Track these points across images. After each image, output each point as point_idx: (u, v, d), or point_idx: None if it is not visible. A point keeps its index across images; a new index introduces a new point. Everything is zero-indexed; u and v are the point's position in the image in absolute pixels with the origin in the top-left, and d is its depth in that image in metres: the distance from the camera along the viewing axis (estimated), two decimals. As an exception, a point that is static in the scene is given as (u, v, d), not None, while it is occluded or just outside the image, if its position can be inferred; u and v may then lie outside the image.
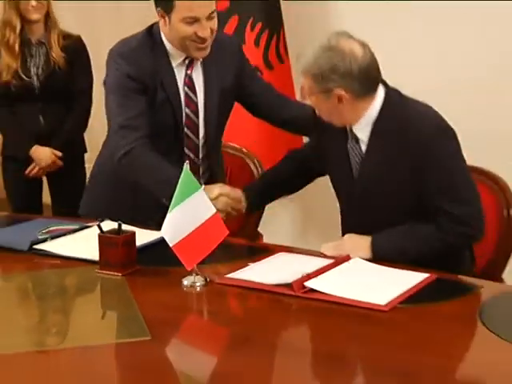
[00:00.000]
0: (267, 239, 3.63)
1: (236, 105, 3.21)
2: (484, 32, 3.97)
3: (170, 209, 2.32)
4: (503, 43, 3.93)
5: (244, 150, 3.61)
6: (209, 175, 3.17)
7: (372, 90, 2.64)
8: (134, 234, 2.54)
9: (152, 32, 2.98)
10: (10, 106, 4.14)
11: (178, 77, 2.98)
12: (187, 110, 3.00)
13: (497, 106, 3.95)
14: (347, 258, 2.56)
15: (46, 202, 4.32)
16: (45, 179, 4.30)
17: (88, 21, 5.22)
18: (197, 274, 2.39)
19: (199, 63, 3.01)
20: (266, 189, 3.13)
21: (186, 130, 3.01)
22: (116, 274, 2.47)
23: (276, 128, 3.37)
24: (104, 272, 2.50)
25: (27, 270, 2.63)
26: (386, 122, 2.65)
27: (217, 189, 2.85)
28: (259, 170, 3.52)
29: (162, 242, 2.40)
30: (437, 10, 4.01)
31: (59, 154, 4.08)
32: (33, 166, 4.09)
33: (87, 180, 3.42)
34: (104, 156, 3.21)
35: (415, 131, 2.60)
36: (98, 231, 2.54)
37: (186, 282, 2.39)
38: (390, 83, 2.70)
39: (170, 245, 2.32)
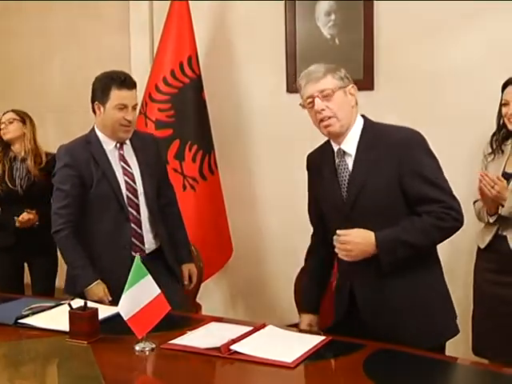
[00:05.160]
0: (205, 308, 3.58)
1: None
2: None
3: (124, 290, 2.32)
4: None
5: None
6: (154, 232, 3.11)
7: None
8: (96, 309, 2.48)
9: (89, 134, 3.07)
10: None
11: (111, 157, 3.01)
12: (126, 178, 3.01)
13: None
14: (263, 326, 2.51)
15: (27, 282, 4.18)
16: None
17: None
18: (146, 341, 2.33)
19: (130, 147, 3.08)
20: (318, 292, 2.77)
21: (127, 193, 3.00)
22: (82, 342, 2.39)
23: None
24: (73, 341, 2.41)
25: (12, 340, 2.51)
26: (368, 138, 2.45)
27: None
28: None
29: (118, 315, 2.34)
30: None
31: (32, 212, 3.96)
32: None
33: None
34: None
35: (393, 141, 2.40)
36: (69, 308, 2.48)
37: (137, 347, 2.33)
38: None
39: (125, 318, 2.31)
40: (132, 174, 3.04)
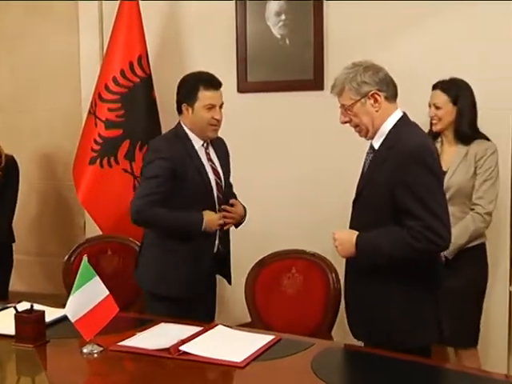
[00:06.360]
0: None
1: None
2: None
3: (72, 292, 2.30)
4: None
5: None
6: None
7: (394, 97, 2.51)
8: (43, 312, 2.44)
9: (177, 130, 3.09)
10: None
11: (200, 155, 3.05)
12: (215, 177, 3.07)
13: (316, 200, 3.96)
14: (213, 326, 2.51)
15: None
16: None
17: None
18: (94, 343, 2.31)
19: (211, 147, 3.13)
20: None
21: (217, 192, 3.07)
22: (28, 346, 2.34)
23: None
24: (19, 345, 2.36)
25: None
26: (391, 138, 2.45)
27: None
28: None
29: (66, 318, 2.32)
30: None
31: None
32: None
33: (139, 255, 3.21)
34: (150, 236, 3.12)
35: (401, 148, 2.38)
36: (14, 311, 2.43)
37: (85, 350, 2.30)
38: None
39: (72, 321, 2.29)
40: (219, 173, 3.11)
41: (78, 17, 4.45)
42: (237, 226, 3.19)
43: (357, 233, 2.44)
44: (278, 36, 4.02)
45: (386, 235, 2.39)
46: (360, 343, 2.55)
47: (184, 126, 3.08)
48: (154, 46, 4.18)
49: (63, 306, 2.36)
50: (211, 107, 2.99)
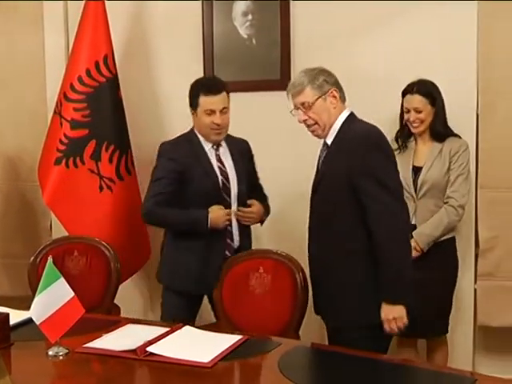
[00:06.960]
0: (124, 310, 3.53)
1: None
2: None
3: (36, 294, 2.28)
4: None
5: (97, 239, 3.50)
6: (240, 228, 3.27)
7: (345, 99, 2.72)
8: (8, 314, 2.41)
9: (189, 133, 3.26)
10: None
11: (210, 156, 3.18)
12: (221, 178, 3.17)
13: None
14: (180, 327, 2.50)
15: None
16: None
17: None
18: (60, 346, 2.29)
19: (226, 149, 3.26)
20: None
21: (222, 192, 3.17)
22: (-8, 349, 2.32)
23: None
24: (-18, 348, 2.34)
25: None
26: (342, 133, 2.64)
27: None
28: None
29: (31, 320, 2.30)
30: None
31: None
32: None
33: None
34: (168, 235, 3.31)
35: (353, 138, 2.59)
36: (-22, 314, 2.41)
37: (50, 352, 2.28)
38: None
39: (37, 323, 2.27)
40: (227, 174, 3.20)
41: (43, 16, 4.39)
42: (261, 224, 3.36)
43: (385, 301, 2.49)
44: (245, 36, 4.03)
45: (383, 266, 2.48)
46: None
47: (195, 129, 3.22)
48: (120, 45, 4.15)
49: (28, 308, 2.33)
50: (211, 112, 3.10)
